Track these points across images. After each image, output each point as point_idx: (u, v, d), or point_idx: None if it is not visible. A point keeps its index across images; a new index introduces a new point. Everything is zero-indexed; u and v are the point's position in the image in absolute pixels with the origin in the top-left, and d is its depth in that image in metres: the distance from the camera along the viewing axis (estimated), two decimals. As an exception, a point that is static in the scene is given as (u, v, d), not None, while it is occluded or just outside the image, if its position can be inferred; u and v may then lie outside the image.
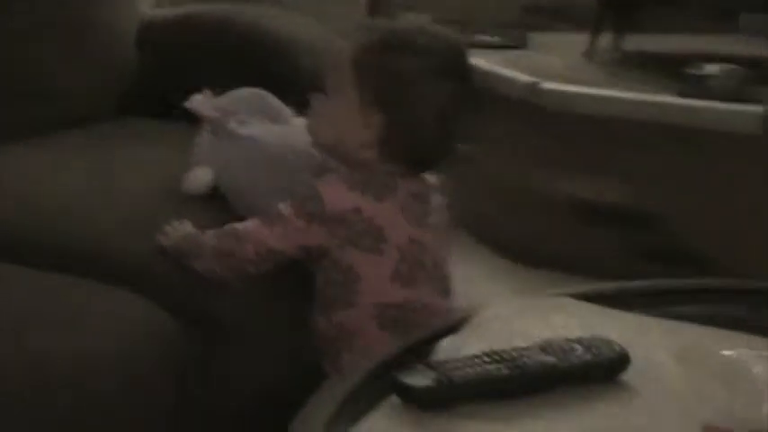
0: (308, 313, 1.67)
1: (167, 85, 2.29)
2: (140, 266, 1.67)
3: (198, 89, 1.99)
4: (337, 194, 1.60)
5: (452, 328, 1.32)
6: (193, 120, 1.89)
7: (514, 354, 1.19)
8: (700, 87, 2.90)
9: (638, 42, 3.42)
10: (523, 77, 2.96)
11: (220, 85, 2.00)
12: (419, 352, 1.29)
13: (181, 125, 2.12)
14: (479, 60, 3.22)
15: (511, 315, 1.34)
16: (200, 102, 1.86)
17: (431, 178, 1.68)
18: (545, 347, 1.20)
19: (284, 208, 1.61)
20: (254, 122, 1.82)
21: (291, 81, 2.16)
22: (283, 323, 1.74)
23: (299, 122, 1.87)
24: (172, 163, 1.93)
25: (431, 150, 1.63)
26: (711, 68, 2.93)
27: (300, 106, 1.91)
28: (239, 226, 1.65)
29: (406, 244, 1.60)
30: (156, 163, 1.96)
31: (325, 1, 3.47)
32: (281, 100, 1.92)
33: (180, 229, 1.69)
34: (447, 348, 1.27)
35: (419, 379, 1.14)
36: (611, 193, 2.94)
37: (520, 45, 3.49)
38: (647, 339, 1.28)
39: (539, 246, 2.98)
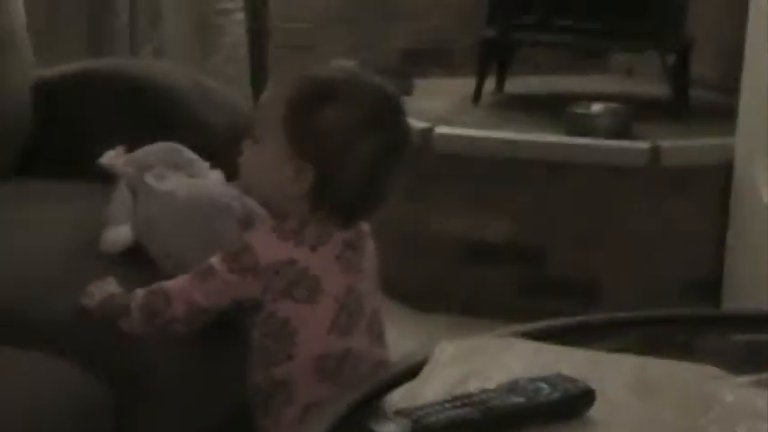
0: (241, 368, 1.63)
1: (65, 143, 2.24)
2: (55, 327, 1.62)
3: (98, 145, 1.95)
4: (270, 246, 1.56)
5: (402, 376, 1.32)
6: (104, 177, 1.85)
7: (483, 396, 1.18)
8: (586, 126, 2.97)
9: (517, 84, 3.48)
10: (417, 123, 2.98)
11: (119, 140, 1.97)
12: (373, 401, 1.28)
13: (83, 183, 2.09)
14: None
15: (464, 357, 1.33)
16: (113, 157, 1.82)
17: (363, 225, 1.66)
18: (512, 388, 1.20)
19: (216, 263, 1.57)
20: (171, 176, 1.79)
21: (189, 134, 2.14)
22: (211, 378, 1.71)
23: (215, 175, 1.85)
24: (83, 222, 1.88)
25: (363, 201, 1.60)
26: (597, 107, 3.00)
27: (210, 158, 1.90)
28: (168, 284, 1.61)
29: (343, 293, 1.58)
30: (66, 222, 1.90)
31: (209, 55, 3.46)
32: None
33: (104, 289, 1.65)
34: (407, 395, 1.26)
35: (393, 428, 1.12)
36: (499, 233, 2.97)
37: (406, 92, 3.51)
38: (603, 374, 1.29)
39: (435, 290, 2.99)
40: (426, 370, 1.31)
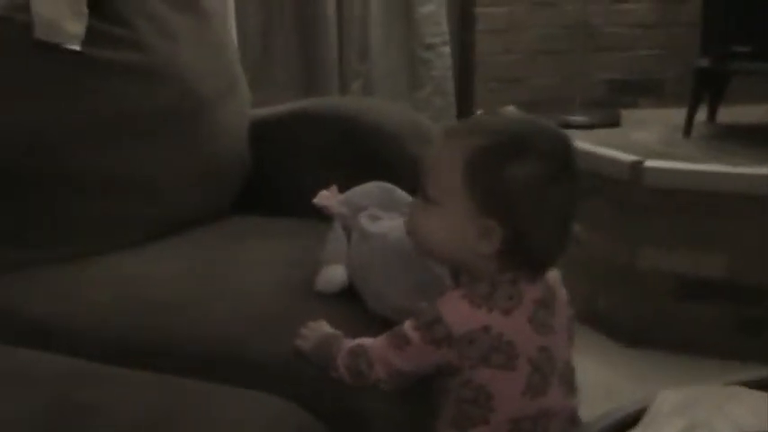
0: (431, 426, 1.62)
1: (279, 182, 2.30)
2: (272, 366, 1.65)
3: (311, 184, 1.99)
4: (462, 314, 1.50)
5: (624, 425, 1.29)
6: (318, 215, 1.88)
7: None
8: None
9: (730, 115, 3.39)
10: (626, 157, 2.92)
11: (332, 179, 2.00)
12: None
13: (297, 221, 2.13)
14: (578, 141, 3.21)
15: (687, 407, 1.30)
16: (327, 197, 1.84)
17: (551, 273, 1.60)
18: (739, 442, 1.16)
19: (410, 331, 1.53)
20: (385, 217, 1.80)
21: (401, 171, 2.15)
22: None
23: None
24: (298, 260, 1.91)
25: (552, 253, 1.54)
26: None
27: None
28: (368, 345, 1.59)
29: (536, 354, 1.53)
30: (282, 260, 1.94)
31: (417, 89, 3.49)
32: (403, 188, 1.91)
33: (317, 330, 1.66)
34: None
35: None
36: (715, 268, 2.89)
37: (614, 123, 3.47)
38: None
39: (646, 325, 2.93)
40: (647, 419, 1.28)
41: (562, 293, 1.61)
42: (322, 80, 3.35)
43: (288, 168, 2.31)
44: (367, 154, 2.19)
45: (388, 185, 1.88)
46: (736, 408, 1.30)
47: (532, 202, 1.47)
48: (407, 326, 1.54)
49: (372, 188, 1.87)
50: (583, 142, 3.16)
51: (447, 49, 3.51)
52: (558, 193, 1.48)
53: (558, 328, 1.57)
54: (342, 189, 1.91)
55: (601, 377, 2.67)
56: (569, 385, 1.59)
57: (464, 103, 3.60)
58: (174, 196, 2.16)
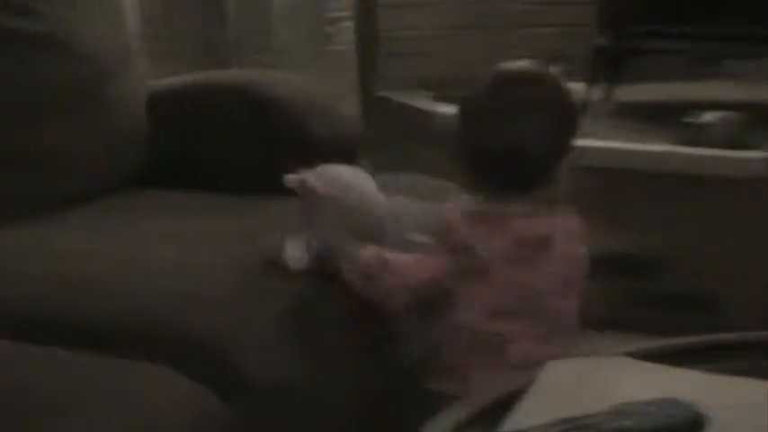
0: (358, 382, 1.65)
1: (179, 154, 2.28)
2: (181, 343, 1.63)
3: (210, 156, 1.97)
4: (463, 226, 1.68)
5: (515, 393, 1.30)
6: (217, 188, 1.88)
7: (590, 420, 1.17)
8: (699, 135, 2.91)
9: (630, 92, 3.44)
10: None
11: (232, 151, 1.99)
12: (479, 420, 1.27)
13: (200, 193, 2.12)
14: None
15: (575, 378, 1.31)
16: (311, 177, 1.80)
17: (566, 222, 1.71)
18: (620, 412, 1.18)
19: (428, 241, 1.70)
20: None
21: (299, 143, 2.16)
22: (323, 392, 1.71)
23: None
24: (200, 234, 1.90)
25: (502, 162, 1.68)
26: (709, 116, 2.94)
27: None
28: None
29: (509, 283, 1.65)
30: (185, 235, 1.92)
31: (319, 64, 3.48)
32: (296, 161, 1.91)
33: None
34: (514, 418, 1.24)
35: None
36: (615, 243, 2.93)
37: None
38: (717, 398, 1.26)
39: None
40: (533, 391, 1.29)
41: (570, 246, 1.73)
42: (223, 53, 3.32)
43: (187, 141, 2.29)
44: (265, 126, 2.19)
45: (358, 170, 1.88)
46: (621, 379, 1.32)
47: (474, 117, 1.74)
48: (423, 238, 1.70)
49: (344, 171, 1.86)
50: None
51: (349, 24, 3.50)
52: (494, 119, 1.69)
53: (549, 271, 1.68)
54: (240, 161, 1.91)
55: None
56: (557, 333, 1.68)
57: (367, 78, 3.60)
58: (73, 168, 2.14)
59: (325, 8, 3.48)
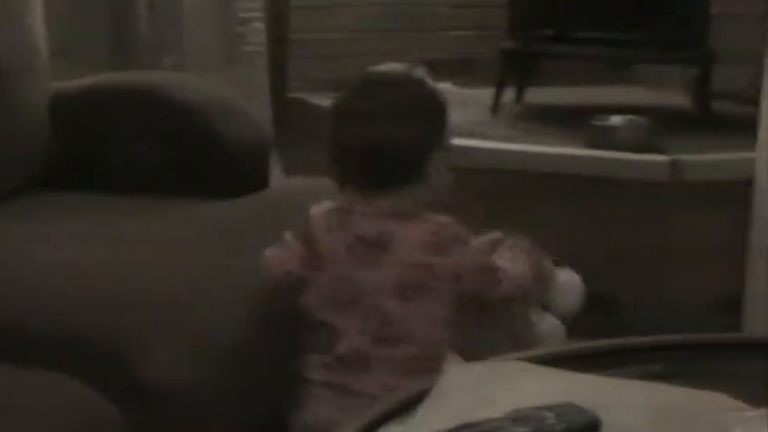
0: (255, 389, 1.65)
1: (84, 156, 2.25)
2: (70, 346, 1.61)
3: (115, 158, 1.94)
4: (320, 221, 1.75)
5: (414, 400, 1.30)
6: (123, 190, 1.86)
7: (486, 426, 1.16)
8: (608, 139, 2.94)
9: (539, 95, 3.47)
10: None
11: (137, 153, 1.97)
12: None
13: (103, 195, 2.10)
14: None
15: (473, 383, 1.31)
16: None
17: (418, 227, 1.71)
18: (516, 417, 1.18)
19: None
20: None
21: (203, 146, 2.14)
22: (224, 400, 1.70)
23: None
24: (106, 235, 1.88)
25: (359, 162, 1.72)
26: (618, 120, 2.98)
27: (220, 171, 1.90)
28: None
29: (344, 278, 1.70)
30: (89, 235, 1.89)
31: (230, 64, 3.45)
32: (198, 166, 1.90)
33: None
34: (411, 424, 1.24)
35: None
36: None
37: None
38: (613, 402, 1.27)
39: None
40: (431, 397, 1.29)
41: (415, 251, 1.71)
42: (131, 53, 3.28)
43: (91, 143, 2.26)
44: (169, 129, 2.17)
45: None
46: (518, 384, 1.32)
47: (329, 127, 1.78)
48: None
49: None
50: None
51: (261, 25, 3.48)
52: (344, 100, 1.81)
53: (386, 272, 1.70)
54: (145, 163, 1.90)
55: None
56: (380, 333, 1.71)
57: (278, 79, 3.58)
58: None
59: (236, 9, 3.46)
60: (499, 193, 2.95)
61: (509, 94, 3.40)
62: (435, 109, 1.79)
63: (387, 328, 1.72)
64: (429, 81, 1.81)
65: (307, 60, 3.65)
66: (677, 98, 3.33)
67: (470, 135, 3.05)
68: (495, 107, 3.29)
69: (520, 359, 1.38)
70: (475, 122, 3.23)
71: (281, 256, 1.76)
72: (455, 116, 3.26)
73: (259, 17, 3.48)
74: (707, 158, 2.92)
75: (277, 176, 3.49)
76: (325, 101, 3.52)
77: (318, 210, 1.77)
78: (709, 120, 3.21)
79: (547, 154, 2.94)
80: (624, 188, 2.88)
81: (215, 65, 3.47)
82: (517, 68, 3.36)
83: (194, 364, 1.64)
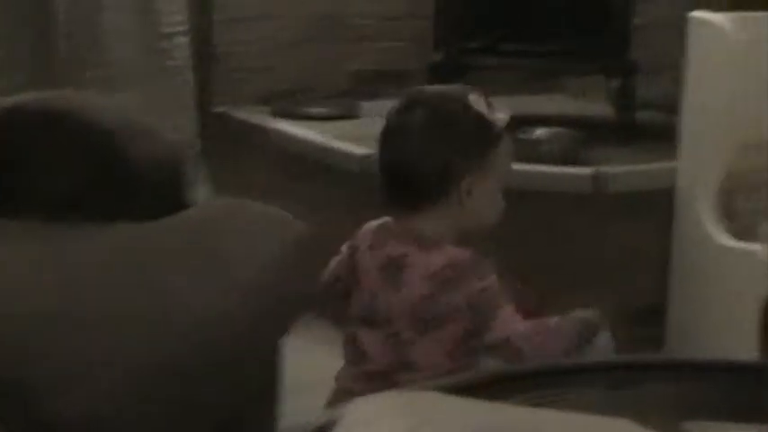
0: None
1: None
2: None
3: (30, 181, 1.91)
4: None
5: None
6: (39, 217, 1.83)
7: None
8: (532, 151, 2.95)
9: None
10: (357, 149, 2.95)
11: (49, 179, 1.93)
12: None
13: (12, 222, 2.05)
14: (311, 134, 3.22)
15: (379, 413, 1.31)
16: None
17: (432, 255, 1.70)
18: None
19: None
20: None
21: (121, 169, 2.11)
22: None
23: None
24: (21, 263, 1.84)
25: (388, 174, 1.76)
26: (542, 132, 2.99)
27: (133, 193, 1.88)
28: None
29: (368, 296, 1.74)
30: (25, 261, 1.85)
31: (154, 79, 3.42)
32: (112, 189, 1.87)
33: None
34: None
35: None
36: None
37: (353, 115, 3.50)
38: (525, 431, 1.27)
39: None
40: (338, 428, 1.28)
41: (423, 282, 1.72)
42: (53, 69, 3.25)
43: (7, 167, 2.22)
44: (79, 152, 2.12)
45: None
46: (433, 413, 1.32)
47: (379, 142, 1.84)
48: None
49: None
50: (316, 135, 3.18)
51: (185, 39, 3.45)
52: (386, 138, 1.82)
53: (400, 297, 1.72)
54: (55, 188, 1.86)
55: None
56: (399, 358, 1.72)
57: (204, 93, 3.56)
58: None
59: (159, 23, 3.43)
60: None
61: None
62: (471, 133, 1.74)
63: (405, 354, 1.72)
64: (478, 106, 1.76)
65: (233, 74, 3.63)
66: (602, 108, 3.35)
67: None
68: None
69: (430, 388, 1.38)
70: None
71: (337, 261, 1.80)
72: (380, 128, 3.30)
73: (183, 31, 3.45)
74: (629, 169, 2.95)
75: (205, 192, 3.47)
76: (251, 115, 3.51)
77: (369, 225, 1.80)
78: (633, 130, 3.23)
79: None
80: (548, 201, 2.89)
81: (138, 80, 3.44)
82: (445, 80, 3.36)
83: (108, 396, 1.62)
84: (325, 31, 3.69)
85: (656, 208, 2.92)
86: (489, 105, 1.78)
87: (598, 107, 3.40)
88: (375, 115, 3.47)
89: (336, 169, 3.02)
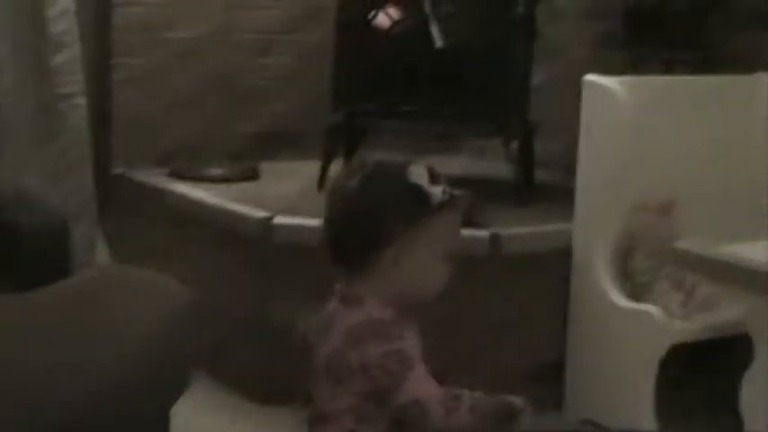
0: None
1: None
2: None
3: None
4: None
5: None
6: None
7: None
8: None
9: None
10: (256, 213, 2.93)
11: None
12: None
13: None
14: (209, 196, 3.20)
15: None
16: None
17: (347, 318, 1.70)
18: None
19: None
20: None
21: (6, 240, 2.07)
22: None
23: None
24: None
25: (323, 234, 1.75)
26: (439, 193, 2.98)
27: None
28: None
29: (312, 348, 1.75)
30: None
31: (52, 140, 3.38)
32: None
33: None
34: None
35: None
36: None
37: (252, 176, 3.48)
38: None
39: (280, 383, 2.93)
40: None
41: (338, 343, 1.70)
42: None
43: None
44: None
45: None
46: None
47: None
48: None
49: None
50: (214, 197, 3.15)
51: (82, 100, 3.41)
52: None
53: (322, 352, 1.72)
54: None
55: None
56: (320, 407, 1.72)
57: (102, 154, 3.52)
58: None
59: (56, 83, 3.39)
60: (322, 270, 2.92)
61: (338, 167, 3.39)
62: (401, 202, 1.74)
63: (322, 406, 1.72)
64: (416, 176, 1.75)
65: (132, 135, 3.60)
66: (503, 168, 3.37)
67: (297, 211, 3.03)
68: (322, 182, 3.28)
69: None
70: (298, 198, 3.22)
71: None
72: (283, 190, 3.30)
73: (80, 91, 3.41)
74: (525, 231, 2.96)
75: (101, 256, 3.42)
76: (150, 177, 3.47)
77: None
78: (533, 190, 3.25)
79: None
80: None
81: (35, 141, 3.39)
82: (343, 142, 3.36)
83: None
84: (224, 92, 3.68)
85: (555, 268, 2.94)
86: (434, 178, 1.78)
87: (498, 167, 3.42)
88: (275, 177, 3.49)
89: (234, 233, 2.99)
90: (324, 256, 1.77)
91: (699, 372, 2.92)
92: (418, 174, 1.76)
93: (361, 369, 1.69)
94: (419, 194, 1.74)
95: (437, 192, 1.77)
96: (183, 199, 3.23)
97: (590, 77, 2.87)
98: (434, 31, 3.18)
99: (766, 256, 2.54)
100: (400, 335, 1.71)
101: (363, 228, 1.72)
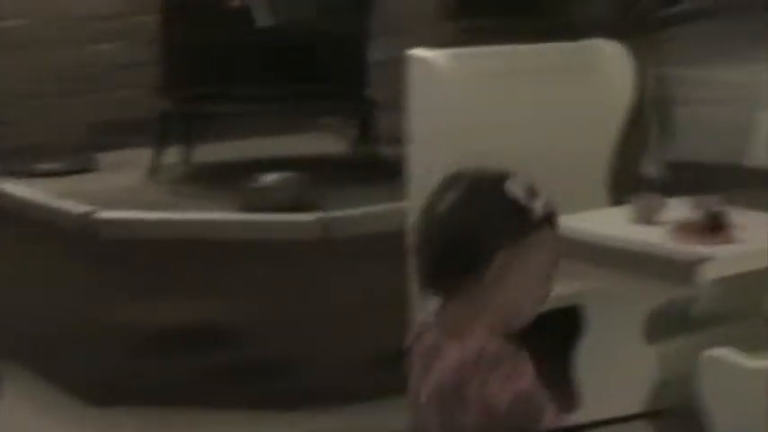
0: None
1: None
2: None
3: None
4: None
5: None
6: None
7: None
8: (261, 200, 2.87)
9: (210, 152, 3.37)
10: (77, 208, 2.82)
11: None
12: None
13: None
14: (33, 193, 3.08)
15: None
16: None
17: None
18: None
19: None
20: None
21: None
22: None
23: None
24: None
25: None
26: (270, 179, 2.91)
27: None
28: None
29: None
30: None
31: None
32: None
33: None
34: None
35: None
36: (184, 317, 2.84)
37: (88, 168, 3.36)
38: None
39: (112, 382, 2.83)
40: None
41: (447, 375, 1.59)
42: None
43: None
44: None
45: None
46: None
47: None
48: None
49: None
50: (37, 193, 3.04)
51: None
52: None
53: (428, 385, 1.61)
54: None
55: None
56: None
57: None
58: None
59: None
60: (148, 263, 2.83)
61: (177, 154, 3.29)
62: (501, 224, 1.61)
63: None
64: (515, 193, 1.62)
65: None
66: (342, 146, 3.29)
67: (124, 204, 2.92)
68: (154, 171, 3.18)
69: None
70: (126, 189, 3.11)
71: None
72: (112, 182, 3.19)
73: None
74: (355, 213, 2.88)
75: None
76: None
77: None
78: (373, 167, 3.18)
79: (195, 221, 2.84)
80: (276, 249, 2.81)
81: None
82: (177, 128, 3.26)
83: None
84: (59, 83, 3.55)
85: (388, 252, 2.86)
86: (533, 191, 1.64)
87: (340, 146, 3.34)
88: (112, 168, 3.37)
89: (55, 228, 2.87)
90: (418, 280, 1.62)
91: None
92: (517, 188, 1.62)
93: (485, 410, 1.57)
94: (519, 211, 1.62)
95: (538, 206, 1.64)
96: (8, 197, 3.10)
97: (413, 52, 2.79)
98: (258, 8, 3.08)
99: (602, 227, 2.49)
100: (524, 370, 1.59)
101: (462, 252, 1.59)
